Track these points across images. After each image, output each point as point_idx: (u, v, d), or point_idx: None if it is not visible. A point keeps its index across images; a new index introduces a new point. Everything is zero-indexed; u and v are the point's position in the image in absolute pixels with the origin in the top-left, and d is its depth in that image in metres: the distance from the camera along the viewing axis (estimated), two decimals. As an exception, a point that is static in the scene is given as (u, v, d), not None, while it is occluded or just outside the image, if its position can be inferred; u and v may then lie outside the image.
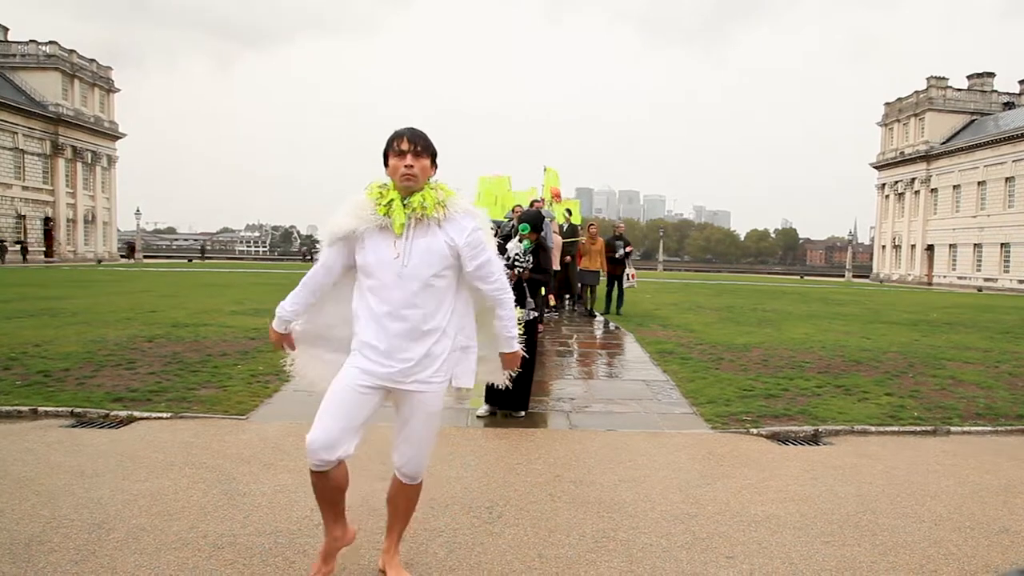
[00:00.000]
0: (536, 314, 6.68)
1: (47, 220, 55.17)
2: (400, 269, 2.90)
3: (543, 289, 9.02)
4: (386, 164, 2.98)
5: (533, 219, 6.72)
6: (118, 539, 3.71)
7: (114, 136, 63.62)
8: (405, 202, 2.92)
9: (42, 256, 52.75)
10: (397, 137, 2.93)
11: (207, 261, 65.55)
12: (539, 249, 6.70)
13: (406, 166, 2.89)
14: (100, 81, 61.57)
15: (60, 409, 6.31)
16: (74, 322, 11.51)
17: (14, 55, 55.31)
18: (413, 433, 3.09)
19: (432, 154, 2.99)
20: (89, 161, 59.80)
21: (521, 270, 6.51)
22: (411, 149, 2.90)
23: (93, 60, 60.86)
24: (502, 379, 3.42)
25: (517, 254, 6.57)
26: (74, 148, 57.46)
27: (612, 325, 13.39)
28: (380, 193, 2.98)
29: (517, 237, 6.66)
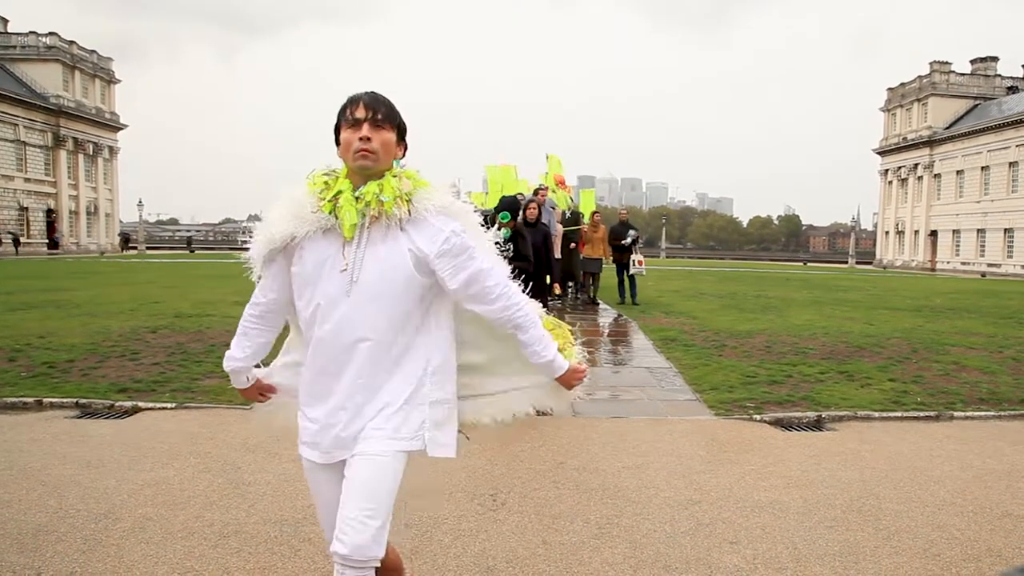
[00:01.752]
0: None
1: (49, 212, 55.21)
2: (347, 286, 2.15)
3: (548, 277, 8.98)
4: (338, 142, 2.25)
5: (510, 206, 6.79)
6: (125, 528, 3.73)
7: (115, 127, 63.56)
8: (357, 194, 2.17)
9: (45, 248, 52.79)
10: (351, 103, 2.21)
11: (205, 252, 65.52)
12: (516, 236, 6.71)
13: (361, 139, 2.15)
14: (101, 72, 61.46)
15: (65, 400, 6.34)
16: (78, 313, 11.54)
17: (14, 47, 55.20)
18: (351, 491, 2.16)
19: (398, 127, 2.26)
20: (91, 153, 59.78)
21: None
22: (368, 117, 2.17)
23: (93, 51, 60.75)
24: (568, 402, 2.64)
25: (497, 243, 6.54)
26: (75, 140, 57.41)
27: (615, 313, 13.40)
28: (325, 184, 2.22)
29: (496, 226, 6.64)
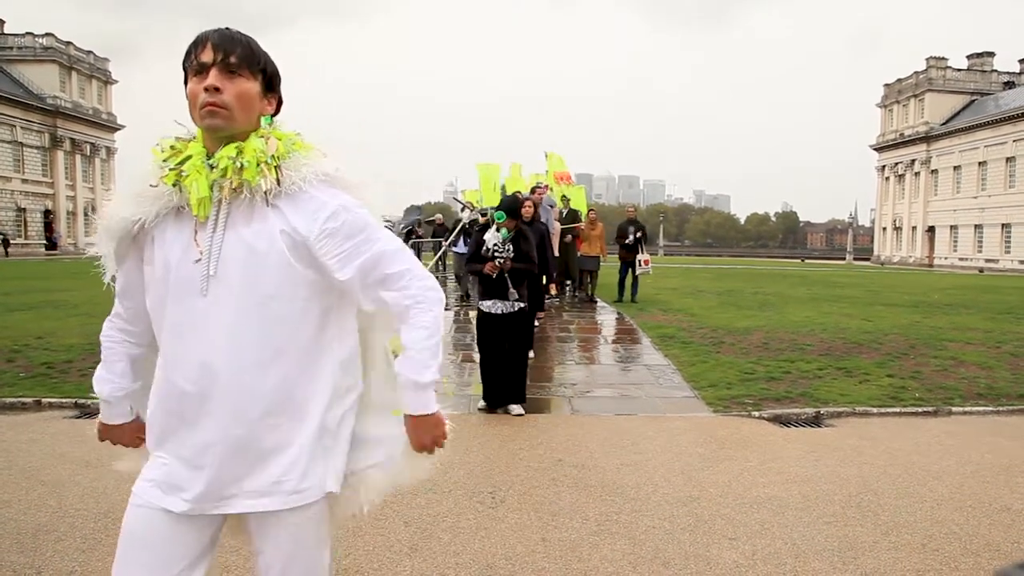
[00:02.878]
0: (522, 305, 6.36)
1: (47, 213, 55.14)
2: (203, 282, 1.63)
3: (544, 278, 8.89)
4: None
5: (509, 206, 6.44)
6: (124, 528, 3.73)
7: (112, 128, 63.47)
8: (211, 161, 1.66)
9: (43, 249, 52.69)
10: (196, 43, 1.67)
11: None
12: (519, 237, 6.39)
13: (208, 89, 1.62)
14: (98, 73, 61.40)
15: (64, 400, 6.35)
16: (76, 314, 11.52)
17: (11, 48, 55.12)
18: (275, 566, 1.75)
19: (264, 74, 1.73)
20: (88, 153, 59.70)
21: (501, 261, 6.21)
22: (218, 61, 1.63)
23: (90, 52, 60.68)
24: (421, 472, 1.88)
25: (496, 244, 6.25)
26: (73, 140, 57.33)
27: (613, 311, 13.40)
28: (173, 150, 1.71)
29: (494, 226, 6.34)
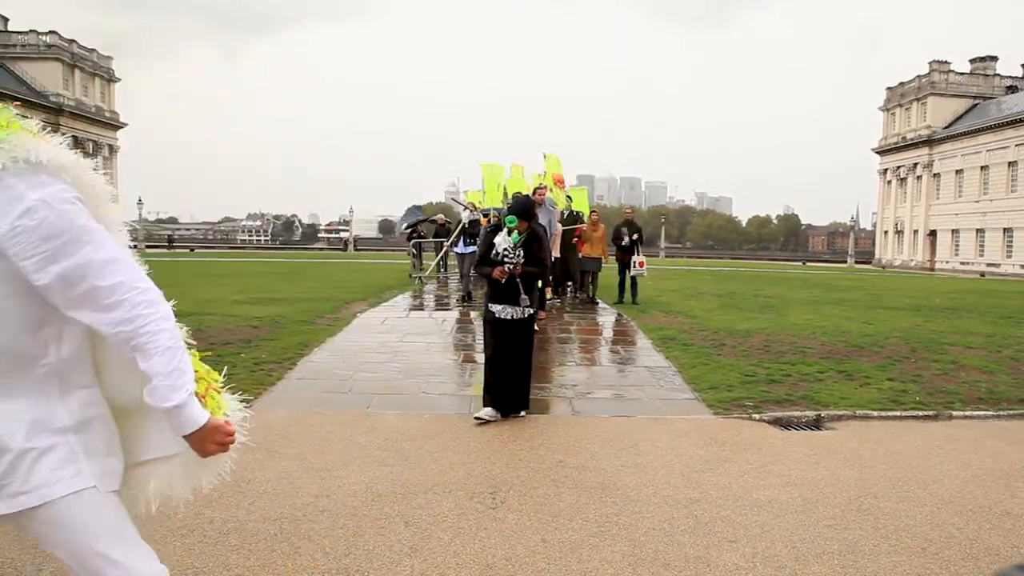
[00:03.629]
0: (532, 311, 6.20)
1: (48, 211, 55.31)
2: None
3: (539, 282, 8.76)
4: None
5: (521, 207, 6.12)
6: (125, 526, 3.73)
7: (115, 126, 63.65)
8: None
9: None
10: None
11: (196, 251, 65.42)
12: (532, 239, 6.16)
13: None
14: (100, 71, 61.57)
15: (65, 398, 6.33)
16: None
17: (14, 45, 55.31)
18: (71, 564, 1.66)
19: None
20: (91, 151, 59.74)
21: (512, 265, 5.97)
22: None
23: (93, 50, 60.84)
24: (205, 479, 1.86)
25: (506, 249, 6.00)
26: (75, 138, 57.30)
27: (614, 312, 13.40)
28: None
29: (505, 230, 6.09)
